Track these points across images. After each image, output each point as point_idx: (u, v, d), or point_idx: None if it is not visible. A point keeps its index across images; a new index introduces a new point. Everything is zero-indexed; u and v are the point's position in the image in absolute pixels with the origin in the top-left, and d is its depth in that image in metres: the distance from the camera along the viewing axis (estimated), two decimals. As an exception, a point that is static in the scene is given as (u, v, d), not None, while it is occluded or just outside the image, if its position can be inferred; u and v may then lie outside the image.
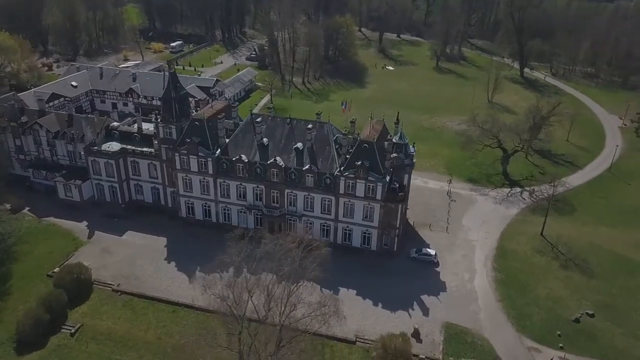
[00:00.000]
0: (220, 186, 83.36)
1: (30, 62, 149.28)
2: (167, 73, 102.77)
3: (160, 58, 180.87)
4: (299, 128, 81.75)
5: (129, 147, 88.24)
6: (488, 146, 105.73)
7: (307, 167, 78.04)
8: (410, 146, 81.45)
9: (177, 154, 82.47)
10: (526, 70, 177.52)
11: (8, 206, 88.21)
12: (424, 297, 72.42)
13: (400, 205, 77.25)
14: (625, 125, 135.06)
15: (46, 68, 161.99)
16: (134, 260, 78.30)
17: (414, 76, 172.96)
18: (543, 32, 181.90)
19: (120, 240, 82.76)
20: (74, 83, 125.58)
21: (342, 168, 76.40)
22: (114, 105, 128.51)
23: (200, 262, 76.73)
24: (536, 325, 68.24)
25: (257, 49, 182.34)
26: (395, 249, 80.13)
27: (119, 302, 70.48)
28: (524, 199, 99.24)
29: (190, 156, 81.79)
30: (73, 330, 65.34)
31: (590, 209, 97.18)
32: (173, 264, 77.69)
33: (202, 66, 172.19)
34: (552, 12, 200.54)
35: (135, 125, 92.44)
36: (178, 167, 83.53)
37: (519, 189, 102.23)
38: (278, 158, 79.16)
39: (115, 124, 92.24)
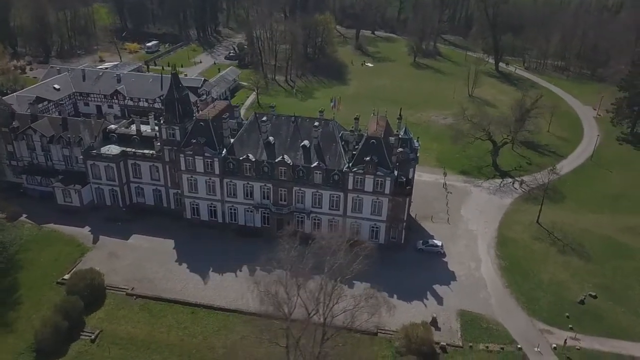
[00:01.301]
0: (227, 186, 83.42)
1: (4, 65, 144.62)
2: (149, 73, 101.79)
3: (137, 58, 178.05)
4: (304, 126, 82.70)
5: (129, 149, 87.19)
6: (478, 139, 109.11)
7: (315, 164, 79.07)
8: (415, 140, 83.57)
9: (182, 155, 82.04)
10: (500, 64, 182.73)
11: (4, 214, 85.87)
12: (436, 287, 74.70)
13: (407, 199, 79.30)
14: (599, 115, 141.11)
15: (19, 71, 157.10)
16: (143, 263, 77.71)
17: (393, 72, 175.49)
18: (514, 27, 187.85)
19: (127, 244, 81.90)
20: (56, 86, 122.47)
21: (350, 164, 77.79)
22: (99, 108, 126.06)
23: (212, 263, 77.47)
24: (544, 309, 71.49)
25: (236, 48, 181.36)
26: (402, 242, 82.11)
27: (135, 305, 69.96)
28: (515, 189, 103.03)
29: (196, 157, 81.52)
30: (93, 336, 64.69)
31: (577, 196, 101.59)
32: (184, 265, 77.48)
33: (182, 66, 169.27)
34: (521, 7, 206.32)
35: (133, 127, 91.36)
36: (183, 168, 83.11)
37: (510, 179, 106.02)
38: (286, 156, 79.88)
39: (113, 126, 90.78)
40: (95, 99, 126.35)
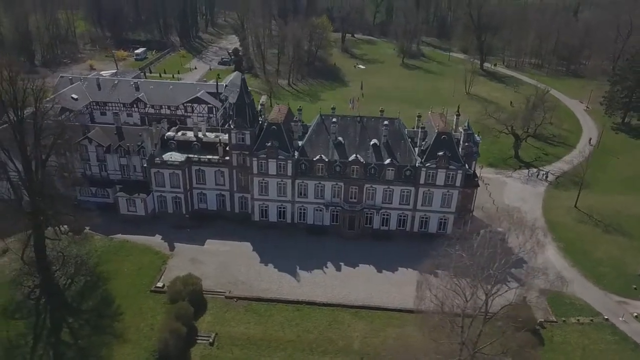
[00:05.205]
0: (298, 187, 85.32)
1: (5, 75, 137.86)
2: (167, 81, 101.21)
3: (128, 66, 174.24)
4: (370, 125, 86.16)
5: (192, 156, 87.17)
6: (503, 132, 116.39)
7: (387, 161, 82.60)
8: (476, 135, 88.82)
9: (255, 159, 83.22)
10: (485, 64, 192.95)
11: (65, 227, 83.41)
12: (511, 270, 79.81)
13: (475, 190, 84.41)
14: (588, 107, 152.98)
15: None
16: (228, 267, 78.34)
17: (386, 73, 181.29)
18: (492, 27, 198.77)
19: (204, 249, 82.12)
20: (74, 95, 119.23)
21: (423, 159, 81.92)
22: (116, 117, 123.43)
23: (296, 261, 79.38)
24: (613, 283, 78.40)
25: (231, 53, 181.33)
26: (468, 231, 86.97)
27: (239, 307, 70.71)
28: (540, 179, 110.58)
29: (269, 160, 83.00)
30: (211, 340, 65.09)
31: (598, 181, 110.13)
32: (271, 265, 78.69)
33: (178, 72, 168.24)
34: (494, 9, 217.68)
35: (190, 133, 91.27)
36: (255, 171, 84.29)
37: (534, 169, 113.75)
38: (358, 155, 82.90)
39: (171, 133, 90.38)
40: (114, 108, 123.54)
